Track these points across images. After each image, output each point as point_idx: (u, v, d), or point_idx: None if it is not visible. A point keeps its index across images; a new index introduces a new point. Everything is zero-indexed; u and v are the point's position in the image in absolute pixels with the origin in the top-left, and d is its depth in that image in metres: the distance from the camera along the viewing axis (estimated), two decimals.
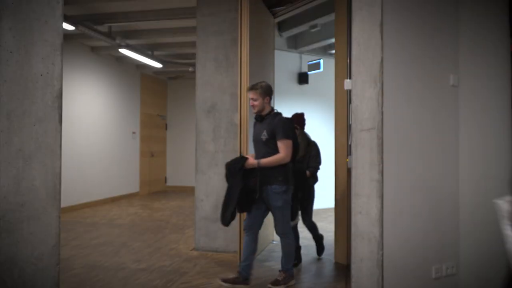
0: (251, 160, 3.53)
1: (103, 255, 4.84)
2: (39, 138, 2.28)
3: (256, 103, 3.57)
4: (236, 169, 3.48)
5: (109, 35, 7.21)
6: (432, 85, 2.96)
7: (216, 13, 5.03)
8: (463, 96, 3.07)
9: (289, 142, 3.53)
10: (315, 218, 4.68)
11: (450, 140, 3.04)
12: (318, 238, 4.78)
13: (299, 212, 4.37)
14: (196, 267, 4.41)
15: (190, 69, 9.22)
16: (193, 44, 7.01)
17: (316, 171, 4.49)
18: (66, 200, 7.50)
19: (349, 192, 3.73)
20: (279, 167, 3.53)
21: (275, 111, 3.67)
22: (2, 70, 2.18)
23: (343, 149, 4.53)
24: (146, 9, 6.33)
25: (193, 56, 6.27)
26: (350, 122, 3.56)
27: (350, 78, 3.14)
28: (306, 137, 4.50)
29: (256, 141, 3.66)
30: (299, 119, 4.44)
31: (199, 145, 5.09)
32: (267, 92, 3.59)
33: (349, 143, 4.04)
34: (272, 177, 3.52)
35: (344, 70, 4.45)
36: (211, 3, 5.05)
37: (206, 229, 5.02)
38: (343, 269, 4.35)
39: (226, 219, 3.52)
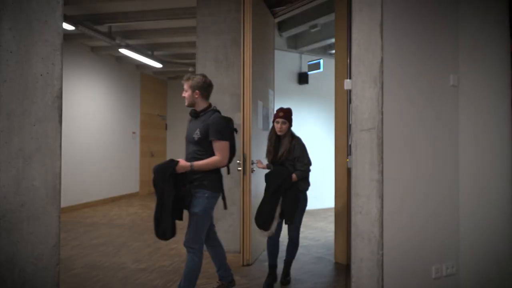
0: (183, 163, 3.11)
1: (103, 255, 4.84)
2: (39, 138, 2.28)
3: (185, 94, 3.26)
4: (166, 174, 3.03)
5: (109, 35, 7.21)
6: (432, 85, 2.96)
7: (216, 13, 5.03)
8: (463, 96, 3.06)
9: (225, 144, 3.18)
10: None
11: (450, 140, 3.04)
12: (289, 261, 3.98)
13: (281, 222, 3.79)
14: None
15: (190, 69, 9.22)
16: (193, 44, 7.02)
17: (305, 175, 3.80)
18: (66, 200, 7.50)
19: (349, 192, 3.73)
20: (210, 172, 3.18)
21: (213, 108, 3.31)
22: (2, 70, 2.18)
23: (343, 149, 4.53)
24: (146, 9, 6.33)
25: (193, 56, 6.27)
26: (350, 122, 3.55)
27: (350, 78, 3.13)
28: (291, 134, 3.88)
29: (188, 140, 3.28)
30: (287, 113, 3.84)
31: None
32: (198, 86, 3.22)
33: (349, 143, 4.02)
34: (197, 181, 3.15)
35: (344, 70, 4.46)
36: (211, 3, 5.05)
37: None
38: (343, 269, 4.35)
39: (166, 233, 3.04)
